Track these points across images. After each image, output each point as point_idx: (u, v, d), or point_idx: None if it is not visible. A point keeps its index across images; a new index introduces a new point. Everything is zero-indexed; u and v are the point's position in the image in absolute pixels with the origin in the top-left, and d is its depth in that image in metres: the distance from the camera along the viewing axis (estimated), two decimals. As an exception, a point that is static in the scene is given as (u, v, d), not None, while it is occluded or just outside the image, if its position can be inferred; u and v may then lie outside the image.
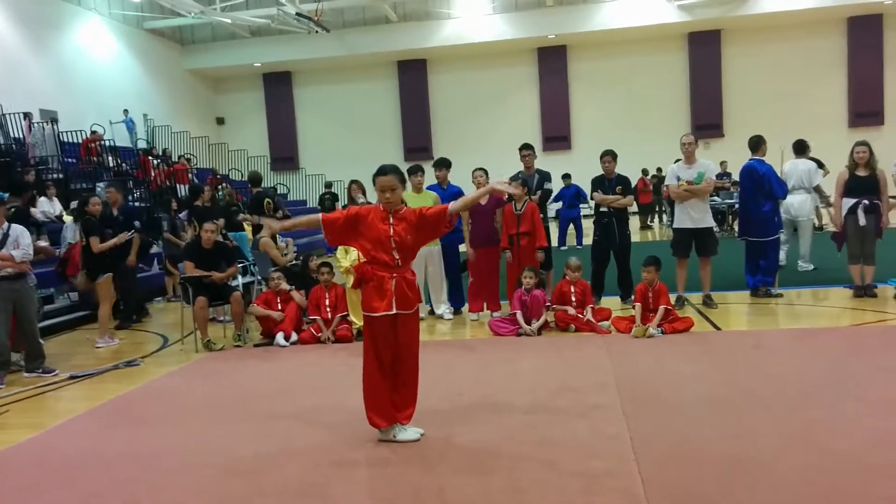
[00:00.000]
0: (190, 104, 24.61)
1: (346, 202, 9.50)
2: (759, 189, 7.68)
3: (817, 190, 9.15)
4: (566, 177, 15.24)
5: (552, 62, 24.23)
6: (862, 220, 7.30)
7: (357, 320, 7.00)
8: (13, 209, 8.71)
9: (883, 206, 7.35)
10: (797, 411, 4.13)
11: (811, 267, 9.33)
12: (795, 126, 19.89)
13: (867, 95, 22.54)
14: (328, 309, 7.05)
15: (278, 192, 19.73)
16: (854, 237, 7.42)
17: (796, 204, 9.22)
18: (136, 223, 8.22)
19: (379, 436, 4.02)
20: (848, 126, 22.51)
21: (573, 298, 6.87)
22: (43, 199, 11.89)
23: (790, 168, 9.34)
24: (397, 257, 3.95)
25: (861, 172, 7.37)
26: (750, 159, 7.85)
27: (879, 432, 3.73)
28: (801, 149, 9.41)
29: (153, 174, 16.96)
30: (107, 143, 16.98)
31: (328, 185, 20.65)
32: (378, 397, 3.99)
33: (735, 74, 23.35)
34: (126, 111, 20.48)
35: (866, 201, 7.29)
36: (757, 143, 7.87)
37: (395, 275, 3.94)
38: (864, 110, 22.54)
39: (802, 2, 21.30)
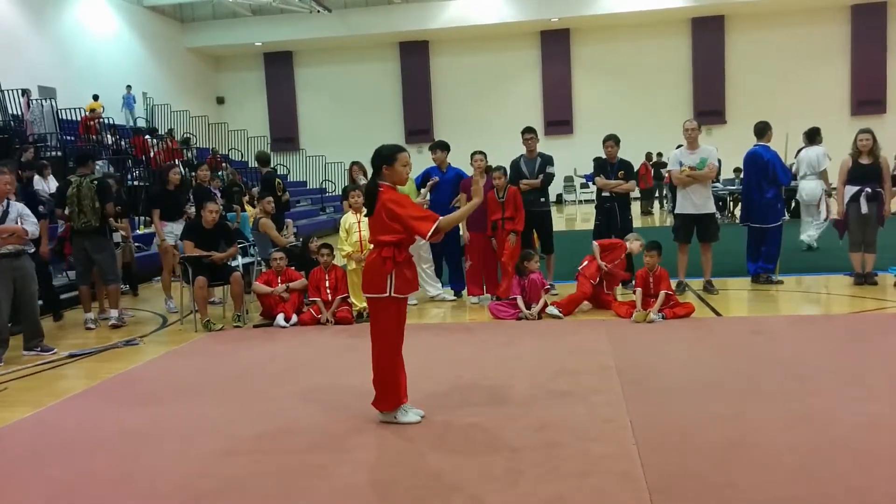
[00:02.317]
0: (190, 83, 24.44)
1: (346, 184, 9.45)
2: (762, 175, 7.64)
3: (822, 176, 9.32)
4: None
5: (555, 46, 24.06)
6: (864, 208, 7.29)
7: (358, 302, 7.00)
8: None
9: (885, 195, 7.33)
10: (796, 396, 4.13)
11: (815, 245, 9.83)
12: (797, 113, 19.83)
13: (870, 83, 22.43)
14: (328, 291, 7.04)
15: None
16: (856, 225, 7.40)
17: (808, 189, 9.69)
18: (41, 208, 7.69)
19: (381, 417, 4.02)
20: (850, 114, 22.41)
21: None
22: (37, 177, 11.78)
23: (803, 155, 9.81)
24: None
25: (864, 160, 7.34)
26: (755, 145, 7.81)
27: (877, 417, 3.74)
28: (811, 137, 9.76)
29: (153, 153, 16.86)
30: (106, 121, 16.88)
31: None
32: (398, 382, 3.98)
33: (738, 60, 23.21)
34: (129, 87, 20.36)
35: (869, 189, 7.27)
36: (763, 129, 7.83)
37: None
38: (867, 98, 22.44)
39: (807, -12, 21.18)
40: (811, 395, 4.17)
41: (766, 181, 7.63)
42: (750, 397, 4.16)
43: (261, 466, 3.53)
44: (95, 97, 18.38)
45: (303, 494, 3.20)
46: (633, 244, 7.03)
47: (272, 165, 11.28)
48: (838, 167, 7.65)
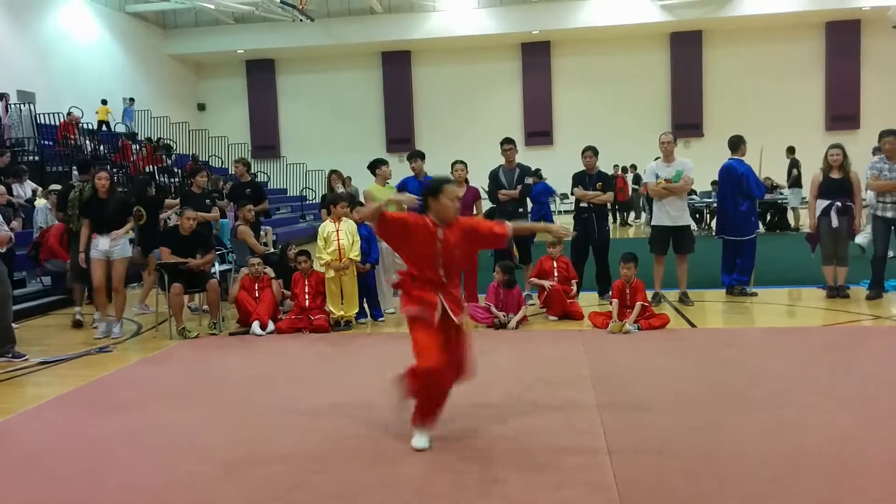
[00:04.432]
0: (171, 89, 24.27)
1: (325, 191, 9.44)
2: (736, 189, 7.75)
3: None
4: (534, 172, 14.29)
5: (536, 58, 24.24)
6: (835, 222, 7.41)
7: (335, 310, 6.98)
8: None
9: (856, 209, 7.46)
10: (768, 408, 4.19)
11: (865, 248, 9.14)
12: (773, 128, 20.19)
13: (844, 99, 22.84)
14: (307, 296, 7.03)
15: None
16: (827, 239, 7.53)
17: (868, 197, 9.12)
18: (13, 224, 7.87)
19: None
20: (825, 129, 22.80)
21: (555, 274, 7.16)
22: (15, 183, 11.63)
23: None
24: (442, 273, 3.78)
25: (835, 175, 7.48)
26: (729, 159, 7.92)
27: (847, 429, 3.80)
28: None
29: (133, 159, 16.70)
30: (85, 127, 16.71)
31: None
32: (428, 404, 3.84)
33: (716, 75, 23.54)
34: (132, 100, 20.51)
35: (839, 203, 7.40)
36: (736, 143, 7.95)
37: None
38: (841, 114, 22.84)
39: (782, 5, 21.52)
40: (784, 406, 4.22)
41: (739, 194, 7.74)
42: (723, 409, 4.21)
43: (232, 476, 3.50)
44: (104, 102, 19.12)
45: (274, 504, 3.18)
46: (552, 250, 7.28)
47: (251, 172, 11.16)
48: (810, 182, 7.80)
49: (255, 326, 6.85)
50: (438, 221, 3.77)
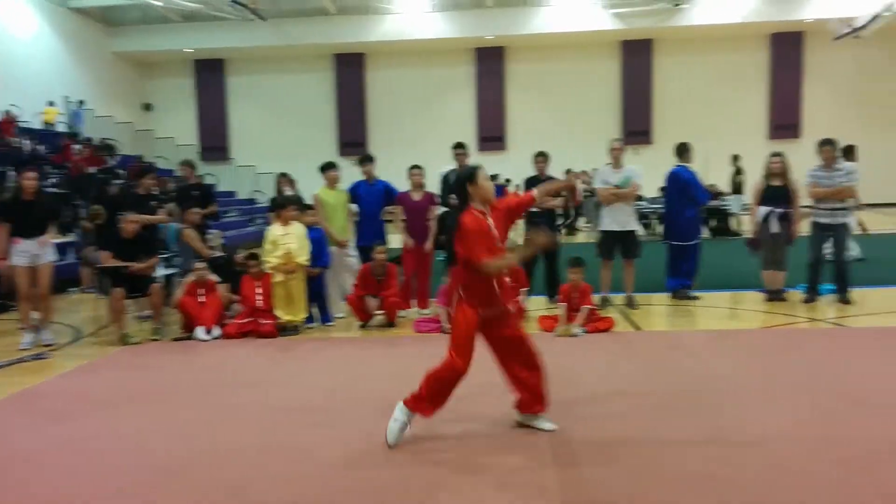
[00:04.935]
0: (115, 88, 23.59)
1: (274, 196, 9.29)
2: (682, 195, 7.93)
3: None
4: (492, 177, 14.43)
5: (490, 63, 24.42)
6: (774, 228, 7.65)
7: (282, 315, 6.87)
8: None
9: (794, 215, 7.71)
10: (710, 408, 4.29)
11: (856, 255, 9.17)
12: (719, 135, 20.79)
13: (786, 109, 23.67)
14: (259, 298, 6.90)
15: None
16: (767, 244, 7.76)
17: None
18: None
19: (398, 416, 3.87)
20: (768, 137, 23.56)
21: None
22: None
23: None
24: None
25: (775, 182, 7.72)
26: (676, 165, 8.10)
27: (783, 429, 3.91)
28: (846, 153, 9.21)
29: (74, 159, 16.15)
30: (22, 126, 16.10)
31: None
32: (445, 396, 3.89)
33: (665, 83, 24.11)
34: (81, 102, 19.96)
35: (779, 210, 7.64)
36: (682, 150, 8.13)
37: None
38: (783, 122, 23.65)
39: (729, 16, 22.18)
40: (723, 407, 4.32)
41: (685, 200, 7.92)
42: (666, 410, 4.29)
43: (173, 484, 3.41)
44: (51, 103, 18.98)
45: (213, 514, 3.10)
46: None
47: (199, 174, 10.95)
48: (751, 188, 8.03)
49: (199, 331, 6.70)
50: (482, 206, 3.81)
